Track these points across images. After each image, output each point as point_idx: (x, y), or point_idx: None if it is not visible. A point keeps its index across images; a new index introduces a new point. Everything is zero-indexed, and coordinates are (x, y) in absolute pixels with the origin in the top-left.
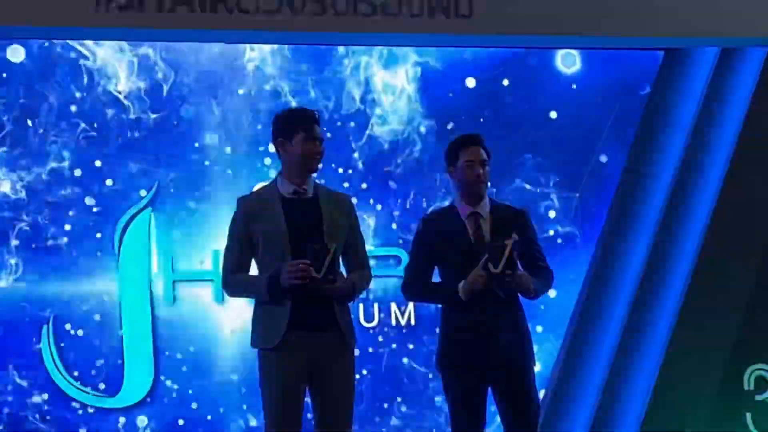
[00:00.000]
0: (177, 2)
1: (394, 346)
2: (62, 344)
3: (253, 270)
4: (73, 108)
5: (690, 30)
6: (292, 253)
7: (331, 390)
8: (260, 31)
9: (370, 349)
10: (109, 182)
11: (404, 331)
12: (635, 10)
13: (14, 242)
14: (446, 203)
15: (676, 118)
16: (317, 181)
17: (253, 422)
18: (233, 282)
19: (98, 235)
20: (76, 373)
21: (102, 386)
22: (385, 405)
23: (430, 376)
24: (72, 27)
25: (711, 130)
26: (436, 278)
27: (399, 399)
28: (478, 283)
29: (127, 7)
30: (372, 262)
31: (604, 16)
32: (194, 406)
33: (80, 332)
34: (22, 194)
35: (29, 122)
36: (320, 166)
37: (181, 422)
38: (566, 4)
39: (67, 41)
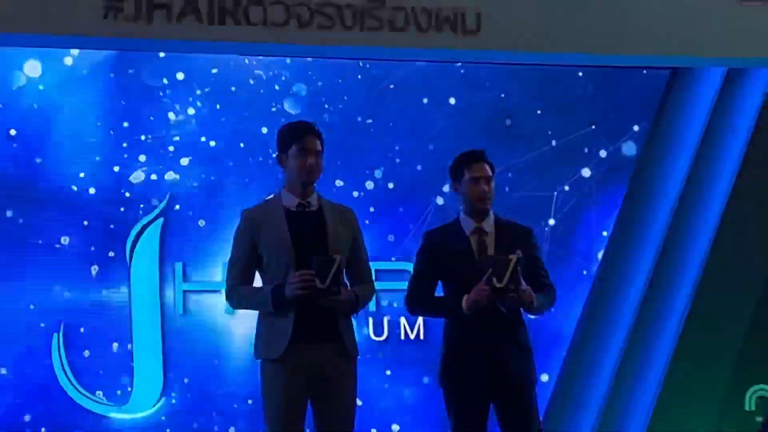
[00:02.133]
0: (185, 13)
1: (402, 359)
2: (72, 353)
3: (257, 282)
4: (87, 115)
5: (697, 50)
6: (296, 265)
7: (334, 402)
8: (268, 44)
9: (381, 366)
10: (121, 192)
11: (413, 345)
12: (642, 30)
13: (26, 250)
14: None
15: (682, 138)
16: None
17: None
18: (237, 293)
19: (110, 244)
20: (85, 382)
21: (111, 395)
22: (391, 419)
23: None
24: (80, 36)
25: (716, 149)
26: (439, 292)
27: (406, 414)
28: (481, 297)
29: (136, 18)
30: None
31: (611, 35)
32: (203, 416)
33: (90, 341)
34: (35, 202)
35: (42, 128)
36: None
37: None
38: (573, 22)
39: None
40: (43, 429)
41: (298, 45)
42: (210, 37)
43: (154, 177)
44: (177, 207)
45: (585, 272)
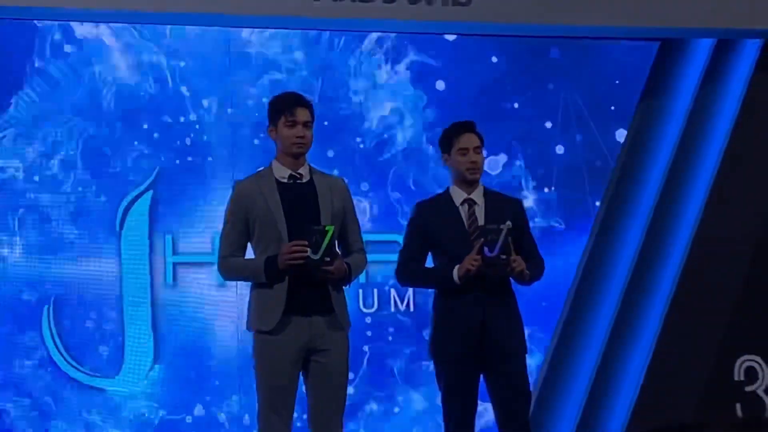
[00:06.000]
0: None
1: (392, 331)
2: (63, 325)
3: (249, 254)
4: (77, 90)
5: (686, 21)
6: (288, 237)
7: (326, 374)
8: (257, 16)
9: (368, 333)
10: (111, 164)
11: (403, 317)
12: (632, 1)
13: (16, 223)
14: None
15: (671, 109)
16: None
17: (249, 405)
18: (229, 265)
19: (100, 217)
20: (76, 354)
21: (101, 368)
22: (381, 391)
23: (426, 362)
24: (69, 8)
25: (705, 121)
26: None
27: (395, 386)
28: (472, 266)
29: None
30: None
31: (600, 6)
32: (192, 388)
33: (81, 313)
34: (25, 175)
35: (32, 104)
36: (305, 150)
37: (179, 404)
38: None
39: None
40: (33, 400)
41: (288, 17)
42: (199, 9)
43: (143, 149)
44: (166, 179)
45: None
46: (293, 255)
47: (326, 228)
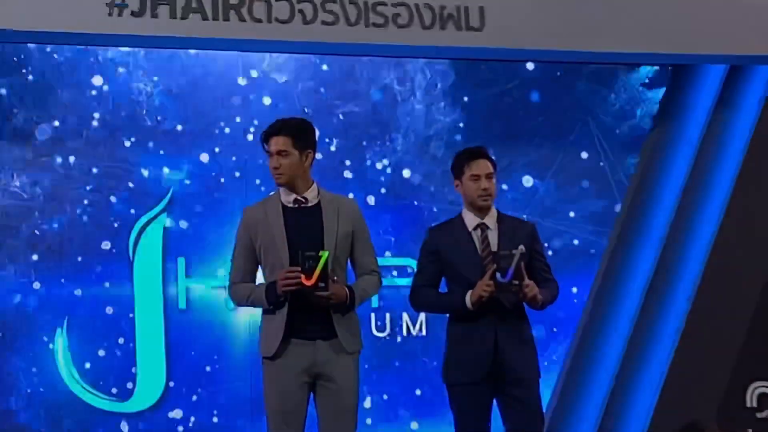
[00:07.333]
0: (190, 10)
1: (405, 356)
2: (75, 348)
3: (259, 279)
4: (91, 113)
5: (698, 47)
6: (289, 262)
7: (333, 400)
8: (272, 40)
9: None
10: (124, 188)
11: (415, 341)
12: (644, 26)
13: (29, 246)
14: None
15: (684, 134)
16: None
17: (260, 429)
18: (237, 291)
19: (113, 240)
20: (88, 377)
21: (114, 391)
22: (394, 415)
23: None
24: (85, 33)
25: (718, 146)
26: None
27: (408, 409)
28: (485, 292)
29: (140, 14)
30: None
31: (613, 31)
32: (204, 412)
33: (94, 336)
34: (39, 198)
35: (46, 126)
36: (284, 178)
37: (191, 428)
38: (575, 18)
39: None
40: (45, 424)
41: (302, 42)
42: (214, 34)
43: (157, 173)
44: (180, 203)
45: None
46: (286, 282)
47: (320, 254)
